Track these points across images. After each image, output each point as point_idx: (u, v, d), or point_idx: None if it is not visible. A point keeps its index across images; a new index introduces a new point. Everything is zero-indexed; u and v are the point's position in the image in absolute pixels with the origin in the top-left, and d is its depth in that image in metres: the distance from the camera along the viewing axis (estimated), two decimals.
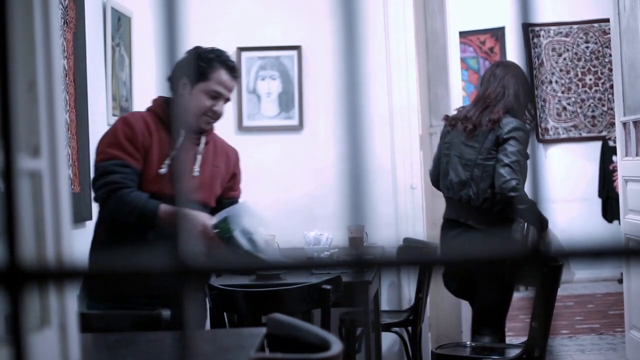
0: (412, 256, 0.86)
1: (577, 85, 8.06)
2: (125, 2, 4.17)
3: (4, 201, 0.86)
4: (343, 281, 3.20)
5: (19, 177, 0.93)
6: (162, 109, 2.93)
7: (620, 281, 6.36)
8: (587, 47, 8.06)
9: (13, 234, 0.84)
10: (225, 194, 3.08)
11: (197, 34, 4.42)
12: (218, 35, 4.52)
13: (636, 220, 4.54)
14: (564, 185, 7.79)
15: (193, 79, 2.94)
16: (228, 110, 3.60)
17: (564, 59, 8.07)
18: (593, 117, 8.07)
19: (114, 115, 3.94)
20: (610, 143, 7.43)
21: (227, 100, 3.01)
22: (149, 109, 2.98)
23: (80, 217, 3.44)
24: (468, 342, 3.93)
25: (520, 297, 6.49)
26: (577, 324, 6.11)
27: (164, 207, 2.79)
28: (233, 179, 3.13)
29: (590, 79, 8.05)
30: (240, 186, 3.18)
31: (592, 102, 8.06)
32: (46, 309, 1.09)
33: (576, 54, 8.07)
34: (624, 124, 4.72)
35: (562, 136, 8.09)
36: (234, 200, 3.08)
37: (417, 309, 4.27)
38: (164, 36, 0.82)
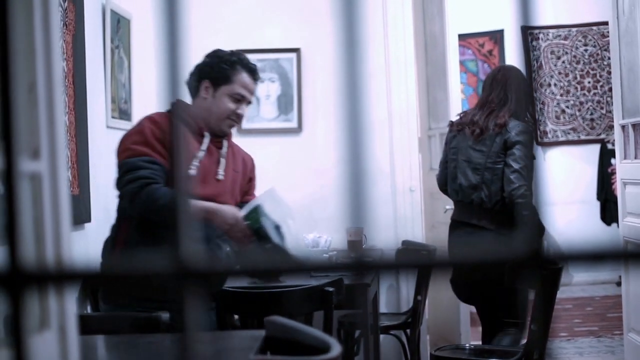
0: (410, 259, 0.86)
1: (576, 88, 8.06)
2: (124, 5, 4.17)
3: (4, 204, 0.86)
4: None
5: (19, 180, 0.93)
6: (184, 111, 2.93)
7: (619, 284, 6.36)
8: (586, 50, 8.06)
9: (14, 236, 0.85)
10: (242, 199, 3.09)
11: (196, 36, 4.43)
12: (217, 37, 4.52)
13: (635, 223, 4.54)
14: (563, 187, 7.78)
15: (216, 82, 2.95)
16: None
17: (563, 61, 8.07)
18: (592, 120, 8.07)
19: (112, 117, 3.94)
20: (609, 146, 7.44)
21: (249, 103, 3.02)
22: (169, 111, 2.97)
23: (79, 219, 3.44)
24: (467, 345, 3.93)
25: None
26: (576, 327, 6.11)
27: (195, 203, 2.77)
28: (249, 183, 3.16)
29: (589, 82, 8.05)
30: (255, 192, 3.19)
31: (590, 105, 8.06)
32: (46, 311, 1.09)
33: (575, 56, 8.07)
34: (623, 127, 4.72)
35: (561, 139, 8.09)
36: None
37: (416, 311, 4.27)
38: (165, 38, 0.82)
